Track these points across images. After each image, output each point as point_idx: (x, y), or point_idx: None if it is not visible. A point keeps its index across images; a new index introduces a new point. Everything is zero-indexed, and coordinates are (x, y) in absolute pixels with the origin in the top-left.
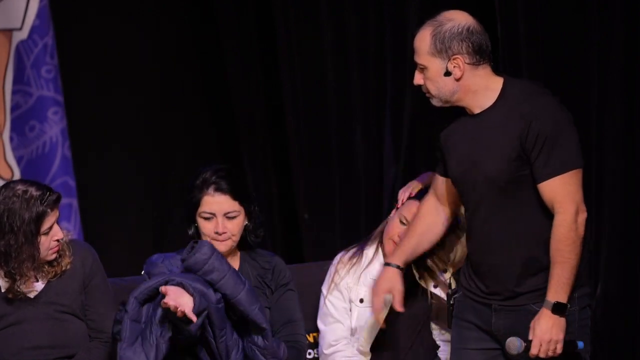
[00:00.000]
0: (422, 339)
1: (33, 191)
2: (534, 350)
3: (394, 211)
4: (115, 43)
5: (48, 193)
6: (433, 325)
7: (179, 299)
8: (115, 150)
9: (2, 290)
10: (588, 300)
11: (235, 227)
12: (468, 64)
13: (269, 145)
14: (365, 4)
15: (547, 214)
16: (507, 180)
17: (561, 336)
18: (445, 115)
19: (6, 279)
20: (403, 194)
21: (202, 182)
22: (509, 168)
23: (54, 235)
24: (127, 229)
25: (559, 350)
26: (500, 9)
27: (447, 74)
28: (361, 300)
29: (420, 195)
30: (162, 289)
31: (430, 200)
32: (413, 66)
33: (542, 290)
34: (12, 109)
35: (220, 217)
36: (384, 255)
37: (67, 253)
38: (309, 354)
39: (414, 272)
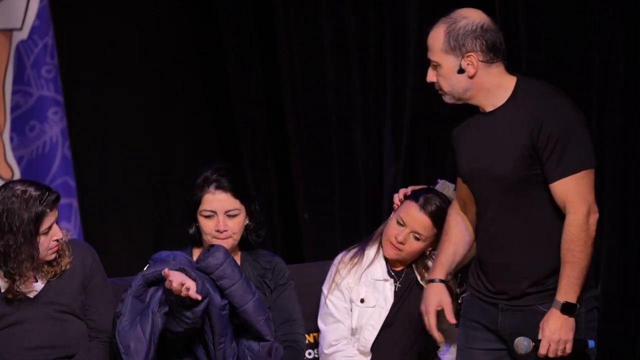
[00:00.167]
0: (423, 339)
1: (32, 191)
2: (542, 350)
3: (393, 212)
4: (115, 43)
5: (47, 193)
6: None
7: (183, 280)
8: (115, 150)
9: (2, 291)
10: (595, 302)
11: (236, 225)
12: (482, 61)
13: (269, 145)
14: (365, 4)
15: (557, 215)
16: (516, 180)
17: (570, 336)
18: (445, 115)
19: (6, 279)
20: (398, 196)
21: (203, 181)
22: (518, 167)
23: (54, 235)
24: (127, 229)
25: (569, 350)
26: (500, 9)
27: (461, 71)
28: (362, 301)
29: (417, 196)
30: (165, 272)
31: (456, 205)
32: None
33: (550, 291)
34: (12, 109)
35: (221, 215)
36: (384, 256)
37: (66, 253)
38: (309, 354)
39: (415, 272)
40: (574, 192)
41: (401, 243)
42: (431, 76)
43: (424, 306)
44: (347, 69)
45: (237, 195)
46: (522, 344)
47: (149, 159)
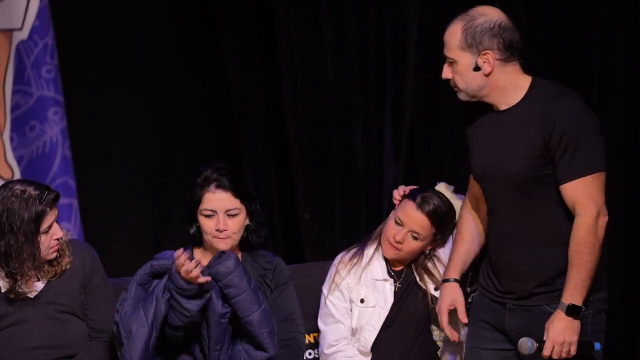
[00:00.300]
0: (423, 339)
1: (31, 191)
2: (546, 352)
3: (392, 212)
4: (115, 43)
5: (46, 192)
6: (432, 327)
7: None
8: (115, 150)
9: (3, 291)
10: (603, 304)
11: (236, 225)
12: (498, 59)
13: (269, 145)
14: (365, 4)
15: (567, 216)
16: (527, 179)
17: (575, 338)
18: (445, 115)
19: (7, 279)
20: (398, 192)
21: (204, 180)
22: (529, 167)
23: (54, 234)
24: (127, 229)
25: (573, 352)
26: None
27: (477, 68)
28: (362, 301)
29: (414, 195)
30: (177, 253)
31: (468, 204)
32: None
33: (558, 291)
34: (13, 109)
35: (222, 214)
36: (384, 256)
37: (66, 252)
38: (310, 354)
39: (414, 273)
40: (583, 194)
41: (399, 242)
42: (446, 73)
43: (438, 307)
44: (347, 69)
45: (237, 194)
46: (526, 344)
47: (149, 159)
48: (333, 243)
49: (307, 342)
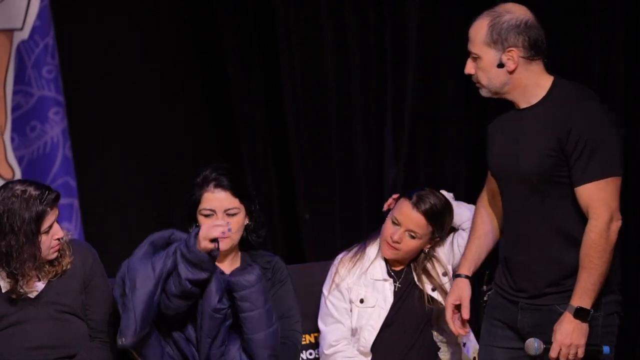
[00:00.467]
0: (423, 339)
1: (32, 191)
2: (553, 354)
3: (390, 212)
4: (115, 43)
5: (47, 192)
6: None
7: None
8: (116, 150)
9: (3, 291)
10: (615, 307)
11: (235, 224)
12: (522, 57)
13: (269, 145)
14: (365, 4)
15: (581, 218)
16: (541, 179)
17: (582, 341)
18: (446, 115)
19: (8, 280)
20: (388, 202)
21: (203, 180)
22: (544, 167)
23: (55, 234)
24: (127, 229)
25: (580, 354)
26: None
27: (500, 65)
28: (361, 301)
29: (410, 194)
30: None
31: (483, 200)
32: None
33: (569, 292)
34: (13, 109)
35: (221, 213)
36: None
37: (67, 252)
38: (310, 354)
39: (413, 273)
40: (597, 198)
41: (397, 242)
42: (469, 68)
43: (445, 301)
44: (347, 69)
45: (236, 194)
46: (533, 345)
47: (149, 159)
48: (333, 243)
49: (307, 342)
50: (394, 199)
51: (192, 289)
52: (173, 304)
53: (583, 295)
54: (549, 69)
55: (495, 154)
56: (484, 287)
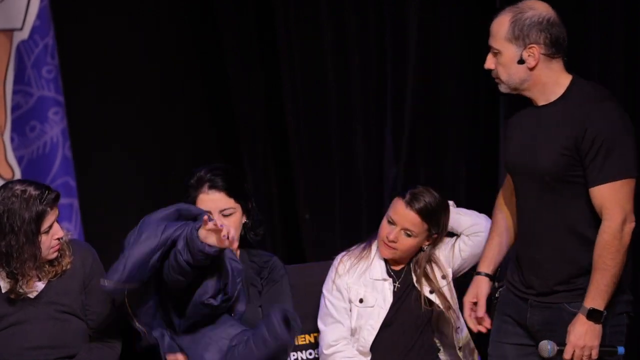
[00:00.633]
0: (423, 339)
1: (32, 190)
2: (567, 356)
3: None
4: (115, 43)
5: (47, 192)
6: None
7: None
8: (115, 150)
9: (3, 291)
10: (625, 307)
11: (231, 224)
12: (543, 54)
13: (269, 145)
14: (365, 4)
15: (594, 218)
16: (555, 178)
17: (596, 342)
18: (446, 115)
19: (8, 280)
20: None
21: (197, 181)
22: (558, 166)
23: (55, 234)
24: (127, 229)
25: (594, 356)
26: (501, 9)
27: (521, 61)
28: (361, 301)
29: (404, 193)
30: (205, 217)
31: (501, 197)
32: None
33: (579, 290)
34: (13, 109)
35: (216, 214)
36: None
37: (67, 252)
38: (310, 354)
39: (412, 274)
40: (611, 199)
41: (393, 242)
42: (489, 63)
43: (464, 298)
44: (347, 69)
45: (231, 194)
46: (546, 347)
47: (149, 159)
48: (333, 243)
49: (307, 342)
50: None
51: (188, 270)
52: (171, 275)
53: (596, 296)
54: (568, 68)
55: (512, 149)
56: (496, 284)
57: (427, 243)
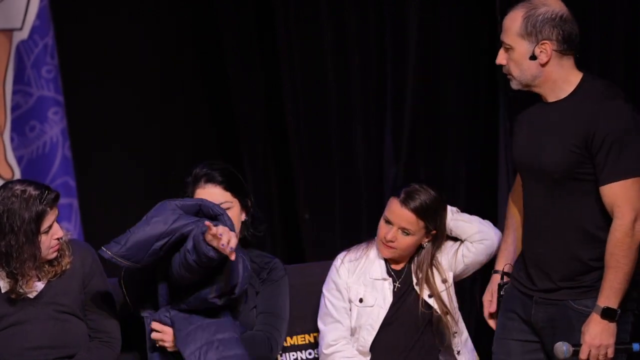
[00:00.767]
0: (424, 340)
1: (31, 190)
2: (582, 356)
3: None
4: (115, 43)
5: (46, 192)
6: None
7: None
8: (115, 150)
9: (3, 291)
10: (631, 305)
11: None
12: (555, 51)
13: (269, 145)
14: (365, 4)
15: (602, 216)
16: (563, 175)
17: (611, 341)
18: (446, 115)
19: (8, 280)
20: None
21: (194, 177)
22: (566, 163)
23: (54, 234)
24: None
25: (610, 354)
26: (501, 8)
27: (533, 57)
28: (360, 300)
29: (399, 192)
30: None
31: (514, 192)
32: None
33: (584, 288)
34: (13, 109)
35: None
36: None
37: (66, 252)
38: (310, 354)
39: (412, 276)
40: (622, 197)
41: (391, 241)
42: (501, 58)
43: (483, 296)
44: (347, 69)
45: (228, 188)
46: (561, 349)
47: (149, 159)
48: (333, 243)
49: (306, 342)
50: None
51: (197, 269)
52: (181, 271)
53: (610, 295)
54: (579, 65)
55: (520, 145)
56: (501, 281)
57: (426, 240)
